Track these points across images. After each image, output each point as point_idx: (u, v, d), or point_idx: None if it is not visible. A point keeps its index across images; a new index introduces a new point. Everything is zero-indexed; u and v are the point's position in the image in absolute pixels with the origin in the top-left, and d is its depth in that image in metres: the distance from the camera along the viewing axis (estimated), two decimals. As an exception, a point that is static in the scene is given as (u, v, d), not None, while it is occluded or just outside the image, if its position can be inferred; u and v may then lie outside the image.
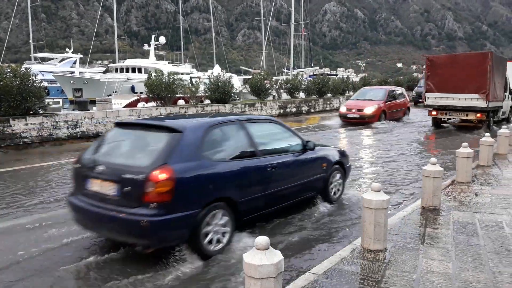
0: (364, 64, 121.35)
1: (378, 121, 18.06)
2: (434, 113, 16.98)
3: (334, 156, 6.67)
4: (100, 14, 45.37)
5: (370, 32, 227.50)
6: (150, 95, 18.75)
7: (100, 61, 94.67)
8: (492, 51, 16.81)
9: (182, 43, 56.26)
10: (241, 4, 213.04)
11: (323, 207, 6.26)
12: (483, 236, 4.70)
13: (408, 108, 22.48)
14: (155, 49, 39.85)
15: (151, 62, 37.22)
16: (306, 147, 6.04)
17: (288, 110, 25.91)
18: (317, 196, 6.37)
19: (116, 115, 15.42)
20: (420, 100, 34.39)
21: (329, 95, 31.81)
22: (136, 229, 4.06)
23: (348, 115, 18.70)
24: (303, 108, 27.46)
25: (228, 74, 24.66)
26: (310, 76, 43.30)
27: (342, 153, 6.95)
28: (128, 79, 32.65)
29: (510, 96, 18.98)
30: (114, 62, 45.87)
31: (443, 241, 4.60)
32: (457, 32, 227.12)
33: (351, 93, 36.60)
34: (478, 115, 15.80)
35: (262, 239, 2.57)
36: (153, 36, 40.49)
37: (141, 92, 23.75)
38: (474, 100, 15.58)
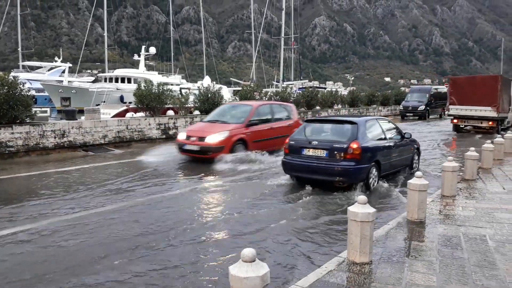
0: (353, 78, 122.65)
1: (230, 153, 11.46)
2: (455, 121, 21.65)
3: (416, 143, 10.80)
4: (90, 24, 45.24)
5: (358, 46, 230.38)
6: (139, 105, 18.72)
7: (89, 71, 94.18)
8: (501, 75, 22.56)
9: (172, 53, 56.35)
10: (232, 17, 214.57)
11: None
12: (467, 249, 4.77)
13: None
14: (145, 59, 39.88)
15: (140, 72, 37.20)
16: (404, 136, 9.95)
17: (277, 122, 26.01)
18: (405, 169, 10.12)
19: (104, 125, 15.34)
20: (408, 114, 34.96)
21: (317, 108, 32.05)
22: (341, 172, 7.88)
23: (186, 146, 11.89)
24: (292, 121, 27.59)
25: (218, 86, 24.77)
26: (299, 88, 43.60)
27: (417, 142, 10.89)
28: (117, 89, 32.56)
29: None
30: (103, 71, 45.76)
31: (428, 254, 4.65)
32: (444, 47, 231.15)
33: (339, 106, 37.02)
34: (490, 123, 20.52)
35: (248, 251, 2.56)
36: (143, 47, 40.53)
37: (130, 102, 23.70)
38: (487, 111, 20.20)
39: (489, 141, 10.83)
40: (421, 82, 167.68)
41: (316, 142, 8.34)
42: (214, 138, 11.56)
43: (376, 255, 4.54)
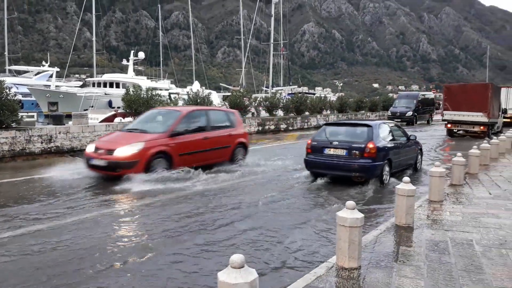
0: (341, 84, 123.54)
1: (145, 171, 9.19)
2: (449, 125, 22.97)
3: (420, 144, 11.92)
4: (78, 28, 44.90)
5: (347, 52, 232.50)
6: (128, 110, 18.60)
7: (77, 75, 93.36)
8: (492, 83, 23.64)
9: (161, 59, 56.25)
10: (221, 23, 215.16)
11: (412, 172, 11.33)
12: (454, 254, 4.81)
13: (244, 145, 12.37)
14: (134, 64, 39.73)
15: (129, 77, 37.05)
16: (409, 138, 11.02)
17: (266, 127, 26.06)
18: (411, 167, 11.34)
19: (92, 130, 15.20)
20: (396, 120, 35.25)
21: (307, 113, 32.18)
22: (360, 169, 9.03)
23: (92, 161, 9.62)
24: (282, 126, 27.68)
25: (208, 91, 24.71)
26: (288, 94, 43.78)
27: (420, 143, 12.05)
28: (105, 93, 32.35)
29: (502, 114, 25.38)
30: (91, 76, 45.44)
31: (416, 259, 4.68)
32: (431, 54, 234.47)
33: (328, 111, 37.25)
34: (482, 127, 21.83)
35: (237, 257, 2.55)
36: (132, 51, 40.39)
37: (118, 107, 23.54)
38: (479, 117, 21.49)
39: (475, 146, 10.98)
40: (409, 88, 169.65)
41: (337, 143, 9.51)
42: (124, 151, 9.21)
43: (365, 260, 4.55)
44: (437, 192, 7.48)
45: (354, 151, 9.20)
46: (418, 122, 35.15)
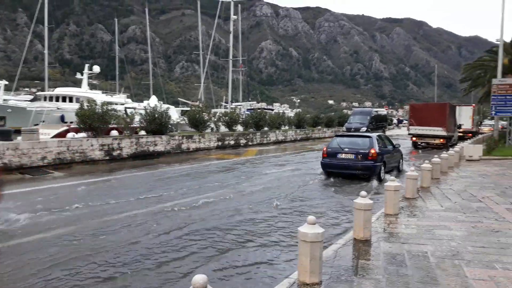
0: (299, 100, 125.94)
1: None
2: (414, 138, 26.79)
3: (401, 151, 15.74)
4: (29, 40, 43.07)
5: (303, 70, 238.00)
6: (81, 125, 17.98)
7: (27, 89, 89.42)
8: (449, 103, 28.59)
9: (117, 72, 55.06)
10: (179, 38, 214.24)
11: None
12: (411, 266, 4.93)
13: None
14: (89, 78, 38.52)
15: (83, 91, 35.83)
16: (395, 146, 14.76)
17: (226, 142, 26.00)
18: (396, 169, 14.88)
19: (43, 146, 14.55)
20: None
21: (266, 128, 32.43)
22: (367, 168, 12.61)
23: None
24: (241, 141, 27.72)
25: (166, 105, 24.39)
26: (247, 110, 44.06)
27: (401, 150, 15.81)
28: (57, 108, 31.09)
29: (457, 129, 29.56)
30: (43, 90, 43.61)
31: (375, 272, 4.76)
32: (383, 72, 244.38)
33: (287, 127, 37.70)
34: (441, 140, 25.58)
35: (200, 278, 2.49)
36: (86, 65, 39.20)
37: (71, 122, 22.69)
38: (439, 131, 25.33)
39: (427, 161, 11.44)
40: (362, 105, 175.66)
41: (347, 149, 13.12)
42: None
43: (325, 274, 4.58)
44: (392, 206, 7.69)
45: (360, 155, 12.79)
46: (372, 138, 36.25)
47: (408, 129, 27.31)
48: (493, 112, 21.70)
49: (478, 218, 7.41)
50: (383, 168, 13.07)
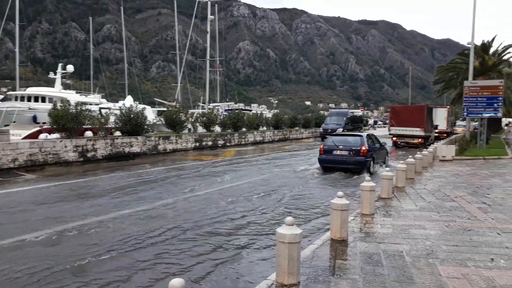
0: (276, 101, 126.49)
1: None
2: (394, 138, 28.38)
3: (386, 148, 17.83)
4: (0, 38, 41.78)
5: (281, 71, 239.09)
6: (55, 126, 17.54)
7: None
8: (427, 105, 31.16)
9: (92, 72, 54.01)
10: (155, 37, 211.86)
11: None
12: (387, 266, 4.99)
13: None
14: (62, 77, 37.57)
15: (56, 91, 34.93)
16: (381, 144, 16.94)
17: (204, 143, 25.85)
18: (382, 163, 16.59)
19: (14, 147, 14.12)
20: (327, 136, 36.67)
21: (244, 129, 32.39)
22: (359, 163, 14.66)
23: None
24: (219, 142, 27.60)
25: (142, 106, 24.03)
26: (225, 110, 43.91)
27: (386, 147, 17.93)
28: (29, 108, 30.22)
29: (434, 130, 31.05)
30: (14, 89, 42.32)
31: (352, 272, 4.80)
32: (359, 74, 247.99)
33: (265, 128, 37.75)
34: (419, 140, 27.38)
35: (177, 282, 2.45)
36: (60, 64, 38.24)
37: (43, 123, 22.11)
38: (417, 131, 27.18)
39: (401, 161, 11.63)
40: (338, 106, 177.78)
41: (342, 146, 15.15)
42: None
43: (303, 275, 4.58)
44: (368, 206, 7.78)
45: (353, 152, 14.76)
46: (348, 138, 36.66)
47: (389, 130, 29.15)
48: (465, 113, 22.25)
49: (451, 217, 7.58)
50: (372, 163, 15.02)
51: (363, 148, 14.60)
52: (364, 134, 15.89)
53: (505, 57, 36.72)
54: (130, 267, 5.72)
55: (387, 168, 13.04)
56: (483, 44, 37.30)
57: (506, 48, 36.92)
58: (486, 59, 34.23)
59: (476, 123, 34.57)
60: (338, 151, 14.96)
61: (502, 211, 8.01)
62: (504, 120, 67.63)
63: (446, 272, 4.75)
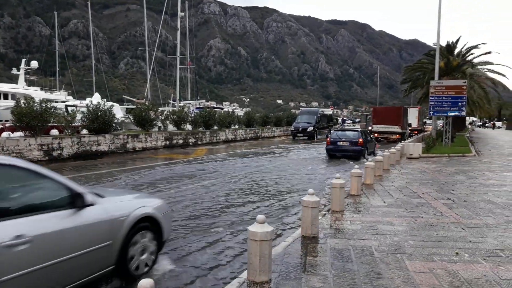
0: (248, 100, 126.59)
1: None
2: (376, 134, 31.40)
3: (375, 141, 24.63)
4: (-42, 32, 39.85)
5: (252, 69, 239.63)
6: (18, 124, 16.92)
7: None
8: (403, 106, 38.08)
9: (57, 68, 52.49)
10: (124, 33, 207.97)
11: None
12: (356, 262, 5.06)
13: None
14: (26, 73, 36.26)
15: (20, 87, 33.69)
16: (371, 137, 23.62)
17: (174, 141, 25.56)
18: (372, 153, 21.57)
19: (-27, 146, 13.52)
20: (298, 135, 37.06)
21: (215, 127, 32.23)
22: (357, 151, 19.50)
23: None
24: (190, 140, 27.36)
25: (110, 103, 23.48)
26: (196, 108, 43.53)
27: (374, 141, 24.27)
28: (-10, 105, 29.01)
29: (409, 127, 35.23)
30: (-27, 86, 40.49)
31: (322, 268, 4.83)
32: (329, 73, 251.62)
33: (237, 126, 37.70)
34: (397, 136, 31.77)
35: (146, 282, 2.39)
36: (23, 60, 36.87)
37: (6, 121, 21.27)
38: (395, 128, 32.10)
39: (370, 159, 11.84)
40: (309, 105, 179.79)
41: (344, 139, 19.81)
42: None
43: (275, 272, 4.58)
44: (338, 202, 7.88)
45: (352, 142, 19.38)
46: (318, 137, 37.12)
47: (371, 127, 33.73)
48: (431, 112, 22.87)
49: (418, 213, 7.77)
50: (366, 151, 19.87)
51: (360, 140, 19.24)
52: (360, 129, 21.35)
53: (469, 58, 38.14)
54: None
55: (376, 157, 14.45)
56: (448, 45, 38.62)
57: (470, 49, 38.35)
58: (451, 59, 35.46)
59: (441, 121, 35.97)
60: (342, 142, 19.66)
61: (466, 207, 8.28)
62: (468, 119, 70.34)
63: (414, 266, 4.86)
